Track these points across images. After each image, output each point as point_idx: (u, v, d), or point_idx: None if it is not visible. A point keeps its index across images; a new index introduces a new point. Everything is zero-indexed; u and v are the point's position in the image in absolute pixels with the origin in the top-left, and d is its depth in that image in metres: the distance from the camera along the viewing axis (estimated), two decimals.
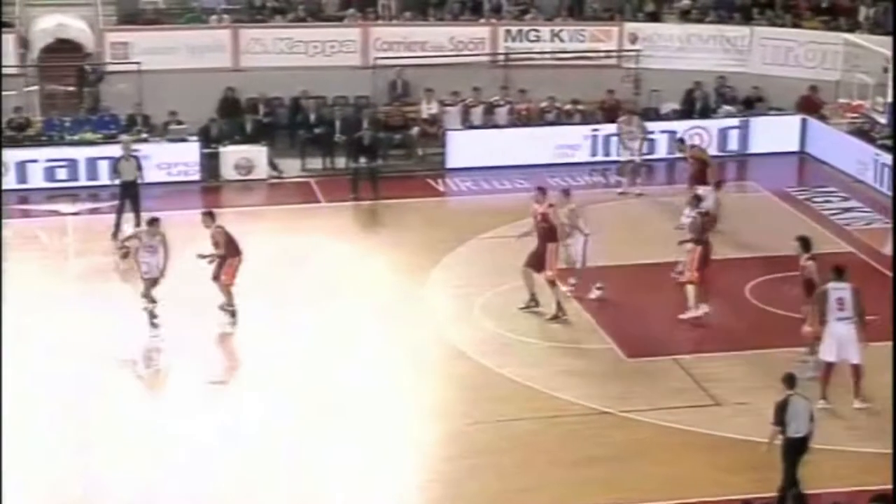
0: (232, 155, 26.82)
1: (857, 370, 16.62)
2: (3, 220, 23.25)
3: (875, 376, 16.84)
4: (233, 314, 19.19)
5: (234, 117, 28.00)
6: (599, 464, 15.47)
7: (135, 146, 24.38)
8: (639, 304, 20.42)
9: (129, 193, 23.35)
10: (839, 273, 16.72)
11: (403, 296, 20.47)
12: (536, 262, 19.50)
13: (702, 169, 23.32)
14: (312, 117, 28.25)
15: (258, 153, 26.88)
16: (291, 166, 27.13)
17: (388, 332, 19.39)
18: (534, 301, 19.72)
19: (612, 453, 15.74)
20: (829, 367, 16.63)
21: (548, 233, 19.44)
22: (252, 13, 30.07)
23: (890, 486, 13.35)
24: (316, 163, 27.43)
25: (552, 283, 19.52)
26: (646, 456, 15.67)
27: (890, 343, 17.47)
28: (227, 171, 26.76)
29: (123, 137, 25.06)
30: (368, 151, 26.19)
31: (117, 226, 23.22)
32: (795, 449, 14.08)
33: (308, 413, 16.84)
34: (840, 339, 16.46)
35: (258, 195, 26.20)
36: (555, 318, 19.47)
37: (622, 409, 16.83)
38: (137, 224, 23.06)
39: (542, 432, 16.30)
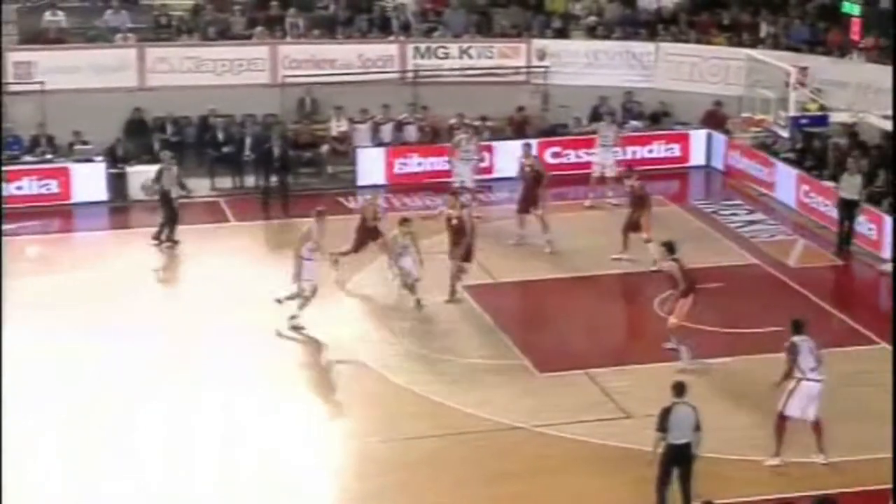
0: (139, 175, 26.54)
1: (818, 426, 15.72)
2: None
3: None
4: None
5: (142, 137, 27.74)
6: (511, 480, 15.49)
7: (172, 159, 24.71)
8: (549, 318, 20.56)
9: (167, 202, 23.85)
10: (800, 326, 15.86)
11: (314, 314, 20.35)
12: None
13: (537, 181, 23.63)
14: (221, 136, 28.07)
15: None
16: (200, 185, 26.86)
17: (299, 350, 19.29)
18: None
19: (523, 468, 15.77)
20: (786, 421, 15.74)
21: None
22: (158, 32, 29.80)
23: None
24: (225, 182, 27.24)
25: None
26: (558, 470, 15.73)
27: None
28: (135, 192, 26.48)
29: (164, 153, 25.03)
30: (279, 170, 26.08)
31: (161, 231, 23.75)
32: (672, 456, 14.35)
33: (215, 431, 16.67)
34: (811, 398, 15.59)
35: None
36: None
37: (534, 423, 16.88)
38: (171, 230, 23.70)
39: (452, 449, 16.29)
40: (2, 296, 19.66)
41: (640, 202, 22.59)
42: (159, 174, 24.29)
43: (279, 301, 19.81)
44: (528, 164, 24.15)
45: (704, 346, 18.76)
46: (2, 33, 28.05)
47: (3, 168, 25.52)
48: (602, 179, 26.14)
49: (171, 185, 24.09)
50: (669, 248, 18.76)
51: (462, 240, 20.89)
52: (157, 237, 23.81)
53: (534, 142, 26.85)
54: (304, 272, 19.82)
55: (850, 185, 23.26)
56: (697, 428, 14.38)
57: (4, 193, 24.85)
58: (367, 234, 21.80)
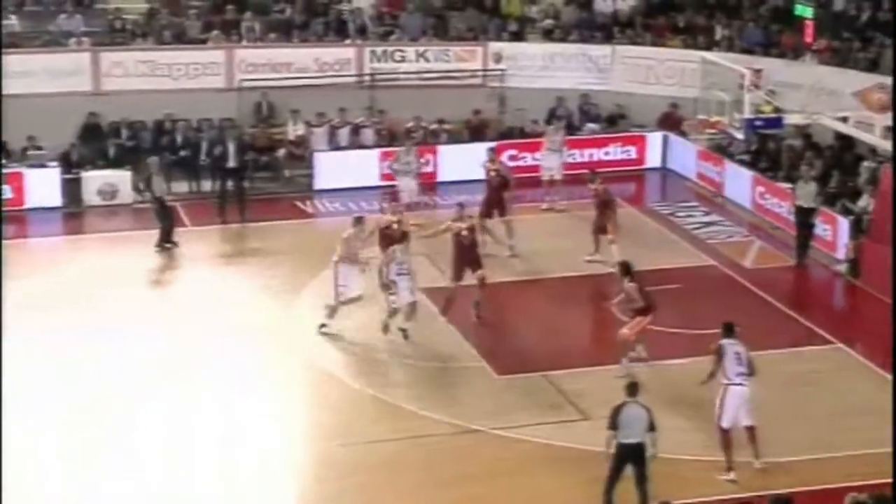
0: (95, 180, 26.40)
1: (752, 431, 15.69)
2: None
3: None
4: None
5: (97, 142, 27.56)
6: (469, 482, 15.51)
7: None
8: (507, 321, 20.60)
9: (162, 207, 23.74)
10: (730, 330, 15.88)
11: (272, 319, 20.32)
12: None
13: (503, 186, 23.52)
14: (178, 140, 27.94)
15: (122, 178, 26.46)
16: (157, 190, 26.68)
17: (257, 355, 19.21)
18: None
19: (481, 471, 15.80)
20: (728, 433, 15.57)
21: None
22: (112, 36, 29.61)
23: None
24: (182, 186, 27.10)
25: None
26: (516, 473, 15.75)
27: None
28: (90, 197, 26.31)
29: (151, 159, 24.87)
30: (235, 174, 25.98)
31: (168, 235, 23.73)
32: (622, 455, 14.40)
33: (178, 437, 16.60)
34: (741, 402, 15.48)
35: (123, 220, 25.75)
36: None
37: (492, 426, 16.92)
38: (170, 233, 23.69)
39: (411, 452, 16.30)
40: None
41: (604, 205, 22.65)
42: (148, 181, 24.28)
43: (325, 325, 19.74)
44: (492, 168, 24.08)
45: (662, 347, 18.86)
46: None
47: None
48: (552, 183, 26.18)
49: (162, 192, 24.13)
50: (626, 269, 18.56)
51: (472, 254, 20.34)
52: (169, 241, 23.83)
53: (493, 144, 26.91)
54: (339, 279, 19.69)
55: (806, 194, 23.38)
56: (651, 428, 14.43)
57: None
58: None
